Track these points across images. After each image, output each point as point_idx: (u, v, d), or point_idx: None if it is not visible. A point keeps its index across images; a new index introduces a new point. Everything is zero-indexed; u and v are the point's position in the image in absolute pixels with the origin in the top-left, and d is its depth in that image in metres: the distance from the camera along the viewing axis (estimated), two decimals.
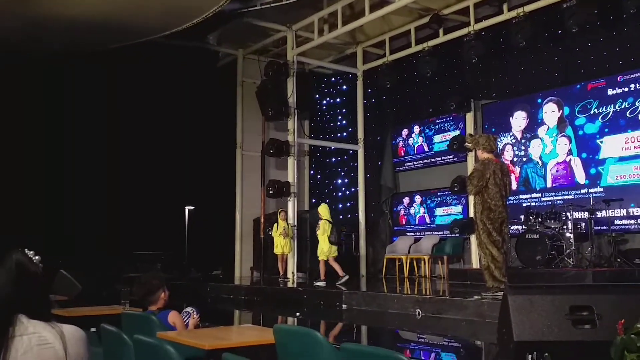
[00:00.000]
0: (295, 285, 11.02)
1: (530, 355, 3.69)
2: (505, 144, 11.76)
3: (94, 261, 10.67)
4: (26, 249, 1.86)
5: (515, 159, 11.60)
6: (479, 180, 6.90)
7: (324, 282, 10.18)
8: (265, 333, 3.78)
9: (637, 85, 9.83)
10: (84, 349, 1.74)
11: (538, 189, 11.17)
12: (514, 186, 11.33)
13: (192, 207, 14.21)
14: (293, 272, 11.97)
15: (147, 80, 12.35)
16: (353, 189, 14.63)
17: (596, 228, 9.60)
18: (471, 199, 7.95)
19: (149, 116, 12.74)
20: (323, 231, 10.41)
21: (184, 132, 13.13)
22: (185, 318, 4.54)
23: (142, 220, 12.42)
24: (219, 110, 13.84)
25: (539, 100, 11.24)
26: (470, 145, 7.59)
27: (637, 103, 9.80)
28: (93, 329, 4.24)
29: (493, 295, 6.69)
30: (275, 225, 11.99)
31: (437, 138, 13.14)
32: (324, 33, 12.62)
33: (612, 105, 10.12)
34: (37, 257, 1.87)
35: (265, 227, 13.04)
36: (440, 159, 13.00)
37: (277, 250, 11.91)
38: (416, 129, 13.61)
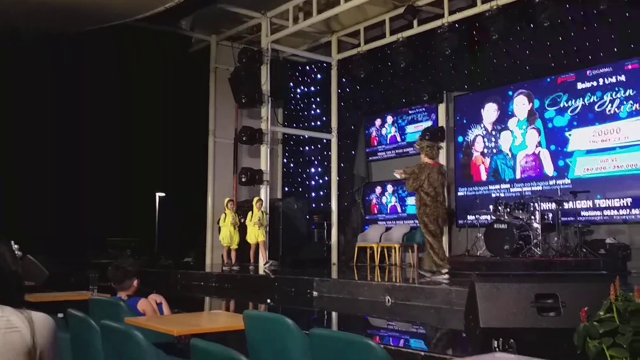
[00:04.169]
0: (266, 273, 11.00)
1: (496, 342, 3.76)
2: (476, 136, 11.90)
3: (63, 246, 10.50)
4: (12, 241, 1.84)
5: (485, 150, 11.75)
6: (414, 181, 8.02)
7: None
8: (235, 319, 3.78)
9: (606, 79, 10.02)
10: (52, 337, 1.72)
11: (507, 179, 11.34)
12: (483, 177, 11.62)
13: (163, 194, 14.07)
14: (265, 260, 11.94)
15: (117, 65, 12.14)
16: (326, 178, 14.65)
17: (563, 219, 9.81)
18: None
19: (121, 101, 12.55)
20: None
21: (155, 117, 12.95)
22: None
23: (113, 206, 12.27)
24: (191, 96, 13.68)
25: (510, 93, 11.39)
26: (418, 147, 8.67)
27: (605, 97, 10.00)
28: (60, 315, 4.19)
29: (431, 277, 7.87)
30: (250, 213, 11.86)
31: (409, 128, 13.23)
32: (299, 21, 12.55)
33: (581, 99, 10.31)
34: (18, 251, 1.86)
35: (239, 214, 12.87)
36: (412, 149, 13.04)
37: (251, 239, 11.75)
38: (389, 119, 13.68)
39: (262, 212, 11.77)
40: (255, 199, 11.97)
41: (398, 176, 8.67)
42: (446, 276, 7.74)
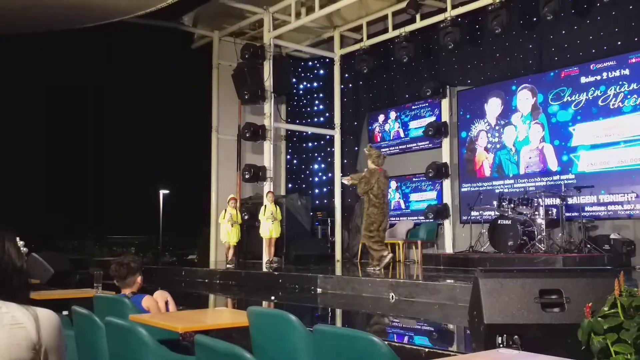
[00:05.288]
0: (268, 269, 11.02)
1: (500, 338, 3.75)
2: (480, 131, 11.87)
3: (67, 244, 10.55)
4: (17, 238, 1.83)
5: (489, 145, 11.72)
6: (365, 185, 9.06)
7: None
8: (239, 316, 3.78)
9: (609, 73, 9.97)
10: (58, 333, 1.72)
11: (511, 175, 11.31)
12: (487, 172, 11.61)
13: (167, 191, 14.09)
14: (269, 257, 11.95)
15: (120, 62, 12.16)
16: (329, 174, 14.64)
17: (567, 214, 9.79)
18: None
19: (124, 99, 12.57)
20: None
21: (158, 114, 12.97)
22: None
23: (117, 204, 12.31)
24: (194, 92, 13.68)
25: (514, 87, 11.35)
26: (367, 152, 9.52)
27: (609, 91, 9.96)
28: (65, 312, 4.20)
29: (373, 270, 8.97)
30: (263, 207, 11.82)
31: (413, 124, 13.21)
32: (301, 16, 12.53)
33: (585, 93, 10.27)
34: (23, 248, 1.85)
35: (242, 211, 12.90)
36: (415, 145, 13.07)
37: (265, 234, 11.67)
38: (392, 114, 13.65)
39: (274, 205, 11.68)
40: (267, 192, 11.91)
41: (346, 182, 9.71)
42: (378, 268, 9.02)
